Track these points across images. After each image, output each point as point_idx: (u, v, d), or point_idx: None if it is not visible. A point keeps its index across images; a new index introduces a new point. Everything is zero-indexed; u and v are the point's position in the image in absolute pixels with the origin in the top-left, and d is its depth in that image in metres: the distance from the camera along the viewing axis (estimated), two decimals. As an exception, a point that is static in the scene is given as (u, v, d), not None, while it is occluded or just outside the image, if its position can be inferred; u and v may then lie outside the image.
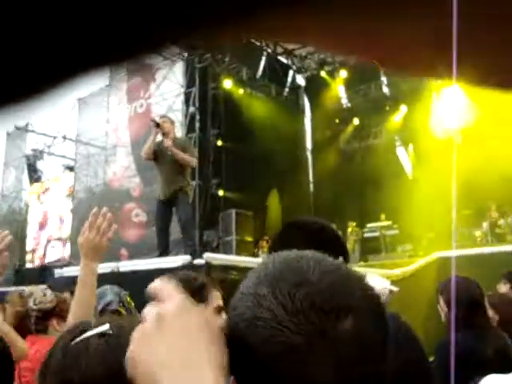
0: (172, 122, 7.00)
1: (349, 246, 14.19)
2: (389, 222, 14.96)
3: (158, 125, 6.69)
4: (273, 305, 0.61)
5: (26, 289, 3.41)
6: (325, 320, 0.60)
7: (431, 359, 2.53)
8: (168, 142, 6.38)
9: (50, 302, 3.24)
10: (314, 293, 0.61)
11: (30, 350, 2.99)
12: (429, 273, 7.99)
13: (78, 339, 1.08)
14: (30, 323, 3.17)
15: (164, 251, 6.45)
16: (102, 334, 1.08)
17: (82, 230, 1.97)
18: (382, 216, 15.30)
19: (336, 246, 1.52)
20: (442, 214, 12.97)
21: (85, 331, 1.09)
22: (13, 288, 7.73)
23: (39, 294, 3.20)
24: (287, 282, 0.62)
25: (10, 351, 1.90)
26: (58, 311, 3.21)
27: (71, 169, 18.81)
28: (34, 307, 3.17)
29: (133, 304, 2.74)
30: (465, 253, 8.87)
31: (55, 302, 3.25)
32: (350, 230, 14.84)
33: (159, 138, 6.77)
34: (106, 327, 1.09)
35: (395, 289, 4.50)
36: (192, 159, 6.66)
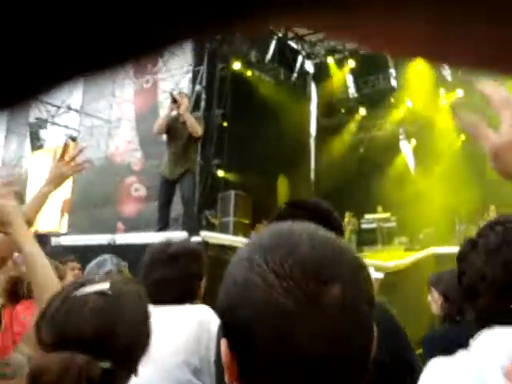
0: (188, 98, 6.97)
1: (345, 235, 14.20)
2: (387, 214, 15.00)
3: (175, 100, 6.58)
4: (264, 270, 0.64)
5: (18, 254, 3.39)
6: (314, 286, 0.62)
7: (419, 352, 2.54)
8: (183, 108, 6.32)
9: None
10: (304, 261, 0.64)
11: (23, 315, 3.01)
12: (424, 267, 8.00)
13: (77, 293, 1.08)
14: (22, 288, 3.17)
15: (164, 226, 6.46)
16: (101, 293, 1.08)
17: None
18: (379, 208, 15.33)
19: (332, 225, 1.53)
20: (440, 210, 13.04)
21: (84, 285, 1.10)
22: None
23: None
24: (279, 250, 0.65)
25: None
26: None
27: (74, 139, 18.77)
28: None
29: (129, 275, 2.77)
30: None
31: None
32: (346, 219, 14.86)
33: (174, 113, 6.66)
34: (106, 286, 1.09)
35: (379, 276, 4.52)
36: (199, 130, 6.52)
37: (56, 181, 2.13)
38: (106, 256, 2.75)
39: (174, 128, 6.55)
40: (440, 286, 2.90)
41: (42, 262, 1.57)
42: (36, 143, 19.95)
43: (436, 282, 2.97)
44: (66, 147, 2.23)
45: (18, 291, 3.18)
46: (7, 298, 3.14)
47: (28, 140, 19.75)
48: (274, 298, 0.62)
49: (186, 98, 6.79)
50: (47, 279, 1.54)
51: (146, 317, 1.17)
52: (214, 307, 1.92)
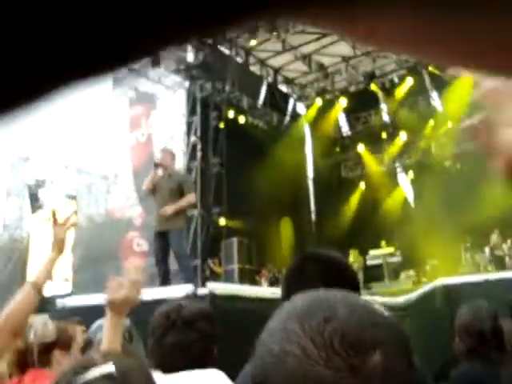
0: (172, 155, 7.11)
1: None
2: (391, 249, 14.91)
3: (157, 165, 6.84)
4: (302, 339, 0.61)
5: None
6: (354, 355, 0.59)
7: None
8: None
9: (51, 333, 3.15)
10: (342, 328, 0.61)
11: None
12: (433, 300, 7.90)
13: (81, 380, 1.02)
14: (31, 357, 3.06)
15: (164, 281, 6.43)
16: (108, 377, 1.02)
17: (113, 285, 1.96)
18: (383, 242, 15.25)
19: (350, 281, 1.53)
20: (445, 240, 12.96)
21: (87, 369, 1.03)
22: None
23: (40, 326, 3.10)
24: (316, 317, 0.63)
25: None
26: (61, 342, 3.13)
27: (73, 197, 18.81)
28: (35, 340, 3.06)
29: (134, 334, 2.71)
30: (469, 279, 8.78)
31: (57, 333, 3.16)
32: (351, 258, 14.77)
33: (160, 173, 6.88)
34: (111, 368, 1.03)
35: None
36: (189, 200, 6.71)
37: (57, 246, 2.17)
38: (103, 319, 2.69)
39: (158, 185, 6.73)
40: (455, 322, 2.79)
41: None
42: (35, 203, 19.98)
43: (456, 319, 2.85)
44: (53, 213, 2.29)
45: (26, 361, 3.07)
46: (16, 369, 3.03)
47: (27, 201, 19.80)
48: (314, 369, 0.59)
49: (168, 156, 6.95)
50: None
51: None
52: (223, 366, 1.87)
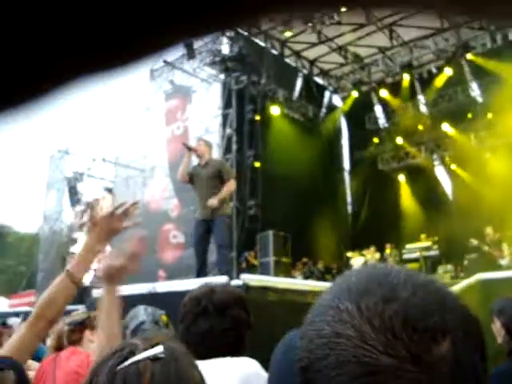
0: (207, 145, 7.11)
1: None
2: (429, 243, 14.68)
3: (189, 148, 6.85)
4: (358, 321, 0.53)
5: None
6: (418, 341, 0.51)
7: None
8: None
9: (81, 314, 3.42)
10: (406, 309, 0.53)
11: (64, 362, 3.12)
12: (471, 295, 7.75)
13: (127, 363, 0.97)
14: (64, 338, 3.33)
15: (201, 272, 6.44)
16: (155, 358, 0.98)
17: (110, 254, 1.96)
18: (422, 236, 15.02)
19: None
20: (483, 235, 12.69)
21: (133, 353, 0.98)
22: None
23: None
24: (375, 296, 0.55)
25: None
26: (91, 323, 3.33)
27: (110, 190, 19.09)
28: (66, 322, 3.34)
29: (170, 322, 2.72)
30: (508, 275, 8.58)
31: (87, 315, 3.42)
32: (388, 251, 14.60)
33: (194, 161, 6.93)
34: (159, 349, 0.99)
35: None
36: (230, 187, 6.74)
37: (106, 237, 2.06)
38: (140, 307, 2.72)
39: (196, 175, 6.76)
40: (502, 316, 2.69)
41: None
42: (74, 197, 20.34)
43: (498, 312, 2.75)
44: (121, 204, 2.15)
45: (61, 343, 3.33)
46: (53, 350, 3.32)
47: (67, 194, 20.16)
48: (372, 356, 0.51)
49: (203, 146, 6.97)
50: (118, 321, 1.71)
51: (202, 377, 1.07)
52: (255, 355, 1.83)
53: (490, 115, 15.33)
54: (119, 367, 0.96)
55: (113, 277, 1.81)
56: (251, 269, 12.38)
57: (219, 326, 1.83)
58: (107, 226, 2.04)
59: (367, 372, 0.51)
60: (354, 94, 18.24)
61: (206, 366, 1.77)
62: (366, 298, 0.55)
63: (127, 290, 6.22)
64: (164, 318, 2.73)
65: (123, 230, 2.09)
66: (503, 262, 11.44)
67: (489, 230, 12.40)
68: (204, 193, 6.60)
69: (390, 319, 0.52)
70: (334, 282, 0.61)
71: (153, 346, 1.00)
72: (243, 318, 1.89)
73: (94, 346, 2.67)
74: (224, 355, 1.79)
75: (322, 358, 0.54)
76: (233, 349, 1.83)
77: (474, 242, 12.50)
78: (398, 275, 0.57)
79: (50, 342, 3.60)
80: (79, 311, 3.66)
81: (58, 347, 3.32)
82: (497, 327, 2.71)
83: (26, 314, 5.36)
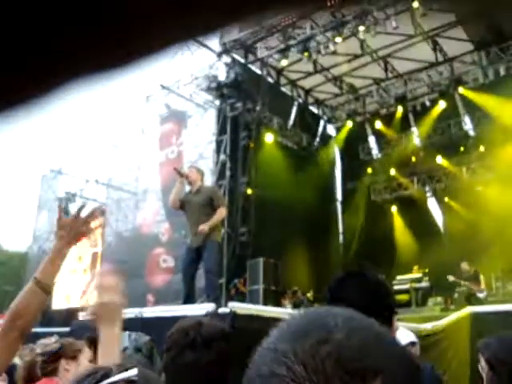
0: (199, 172, 7.15)
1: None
2: (419, 275, 14.65)
3: (181, 174, 6.90)
4: (292, 362, 0.54)
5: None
6: (348, 382, 0.52)
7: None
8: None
9: (53, 344, 3.28)
10: (339, 351, 0.54)
11: None
12: (461, 328, 7.71)
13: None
14: (36, 369, 3.16)
15: (188, 299, 6.39)
16: (128, 381, 0.98)
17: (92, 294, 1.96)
18: (415, 267, 14.99)
19: (387, 301, 1.54)
20: (475, 267, 12.68)
21: (107, 376, 0.99)
22: (39, 329, 7.73)
23: (44, 341, 3.24)
24: (311, 338, 0.56)
25: None
26: (66, 353, 3.20)
27: (102, 212, 19.00)
28: (40, 352, 3.19)
29: (155, 350, 2.69)
30: (499, 309, 8.56)
31: (59, 344, 3.27)
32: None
33: (186, 188, 6.97)
34: (133, 372, 1.00)
35: (417, 339, 4.35)
36: (221, 214, 6.75)
37: (72, 241, 2.03)
38: (125, 333, 2.69)
39: (187, 201, 6.76)
40: (486, 352, 2.66)
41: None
42: (65, 217, 20.21)
43: (483, 349, 2.72)
44: (82, 206, 2.15)
45: (34, 372, 3.17)
46: (24, 382, 3.14)
47: (57, 214, 20.05)
48: None
49: (194, 172, 7.02)
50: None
51: None
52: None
53: (481, 148, 15.47)
54: None
55: (106, 316, 1.72)
56: (240, 296, 12.29)
57: (205, 358, 1.81)
58: (73, 229, 2.03)
59: None
60: (349, 124, 18.38)
61: None
62: (302, 339, 0.56)
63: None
64: (149, 344, 2.70)
65: (89, 233, 2.09)
66: (481, 295, 11.42)
67: (464, 266, 12.42)
68: (195, 219, 6.59)
69: (322, 361, 0.53)
70: (279, 325, 0.63)
71: (126, 370, 1.00)
72: (228, 353, 1.89)
73: (70, 375, 2.61)
74: None
75: None
76: (218, 382, 1.82)
77: (451, 278, 12.53)
78: (335, 318, 0.59)
79: (19, 372, 3.37)
80: (51, 340, 3.49)
81: (29, 379, 3.18)
82: (481, 364, 2.67)
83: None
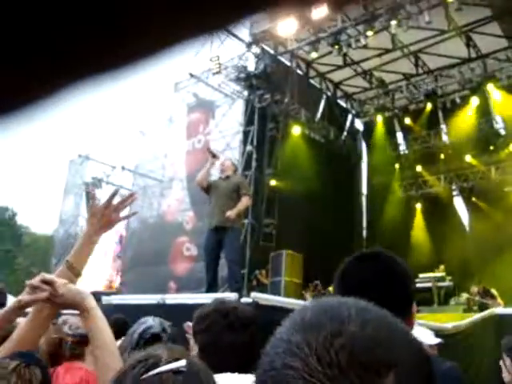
0: (233, 165, 7.35)
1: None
2: (442, 274, 14.51)
3: (213, 155, 7.11)
4: (306, 354, 0.55)
5: (60, 318, 3.35)
6: (362, 375, 0.53)
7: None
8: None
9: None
10: (352, 344, 0.54)
11: (61, 379, 2.94)
12: (485, 330, 7.62)
13: (150, 373, 1.00)
14: (64, 349, 3.12)
15: (211, 287, 6.43)
16: (177, 371, 1.01)
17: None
18: (441, 266, 14.83)
19: (405, 284, 1.47)
20: (499, 268, 12.52)
21: (157, 364, 1.01)
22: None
23: (74, 321, 3.17)
24: (324, 329, 0.56)
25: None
26: None
27: (133, 201, 19.17)
28: (70, 332, 3.13)
29: (176, 333, 2.70)
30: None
31: None
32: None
33: (216, 174, 7.10)
34: (182, 363, 1.02)
35: (437, 341, 4.30)
36: (246, 203, 6.89)
37: (103, 228, 2.07)
38: (148, 318, 2.71)
39: (215, 186, 6.94)
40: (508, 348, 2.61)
41: (105, 326, 1.68)
42: (91, 202, 20.46)
43: (508, 350, 2.66)
44: (114, 193, 2.15)
45: (59, 353, 3.09)
46: (48, 360, 3.06)
47: (84, 199, 20.30)
48: None
49: (229, 163, 7.30)
50: (110, 343, 1.66)
51: None
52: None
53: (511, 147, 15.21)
54: (143, 377, 1.00)
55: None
56: (261, 287, 12.31)
57: (242, 339, 1.88)
58: (104, 217, 2.04)
59: None
60: (377, 118, 18.22)
61: (227, 381, 1.78)
62: (316, 331, 0.56)
63: (137, 298, 6.22)
64: (173, 330, 2.72)
65: (120, 221, 2.12)
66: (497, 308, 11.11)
67: (473, 289, 12.39)
68: (221, 202, 6.71)
69: (336, 353, 0.54)
70: (291, 315, 0.63)
71: (176, 360, 1.03)
72: (259, 337, 1.95)
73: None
74: (240, 369, 1.82)
75: None
76: (248, 364, 1.87)
77: (464, 296, 12.50)
78: (349, 309, 0.59)
79: (42, 347, 3.29)
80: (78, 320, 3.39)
81: (55, 357, 3.05)
82: (506, 364, 2.62)
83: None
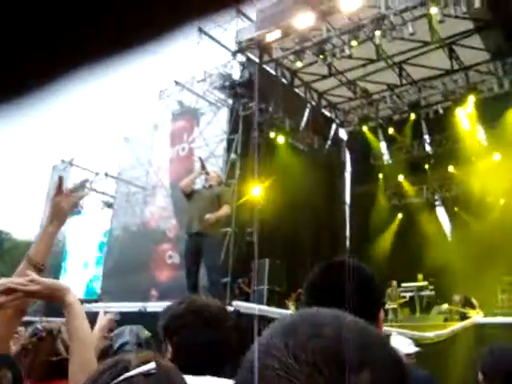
0: (219, 177, 7.57)
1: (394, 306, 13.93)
2: (424, 283, 14.61)
3: (203, 166, 7.33)
4: (283, 354, 0.58)
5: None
6: (338, 374, 0.55)
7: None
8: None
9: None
10: (328, 345, 0.57)
11: None
12: (465, 339, 7.68)
13: (120, 378, 0.99)
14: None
15: (192, 292, 6.42)
16: (148, 374, 1.01)
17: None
18: (420, 276, 14.93)
19: (371, 290, 1.52)
20: (480, 279, 12.62)
21: (126, 369, 1.01)
22: (38, 318, 7.74)
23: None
24: (301, 333, 0.60)
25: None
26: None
27: (110, 206, 19.08)
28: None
29: (153, 345, 2.69)
30: (504, 321, 8.51)
31: None
32: (389, 290, 14.43)
33: (203, 183, 7.22)
34: (151, 366, 1.02)
35: (413, 350, 4.31)
36: (226, 211, 6.98)
37: (58, 219, 2.05)
38: (126, 327, 2.69)
39: (198, 193, 7.11)
40: (480, 363, 2.64)
41: (82, 322, 1.68)
42: (73, 209, 20.30)
43: (479, 359, 2.70)
44: (60, 181, 2.14)
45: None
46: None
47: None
48: None
49: (216, 176, 7.46)
50: (86, 340, 1.66)
51: None
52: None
53: (494, 158, 15.36)
54: (113, 382, 0.99)
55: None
56: (244, 296, 12.28)
57: (218, 337, 1.85)
58: (55, 205, 2.05)
59: None
60: (361, 128, 18.34)
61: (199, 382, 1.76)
62: (294, 334, 0.60)
63: (119, 306, 6.17)
64: (149, 338, 2.70)
65: (72, 208, 2.13)
66: (477, 318, 11.18)
67: (455, 298, 12.54)
68: (202, 208, 6.79)
69: (312, 353, 0.56)
70: (273, 323, 0.66)
71: (145, 363, 1.02)
72: (232, 332, 1.93)
73: None
74: (216, 367, 1.80)
75: None
76: (224, 363, 1.85)
77: (445, 306, 12.66)
78: (325, 316, 0.63)
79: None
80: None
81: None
82: (479, 377, 2.64)
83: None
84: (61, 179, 2.15)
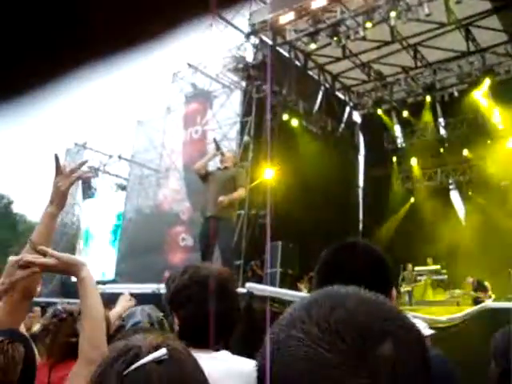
0: (235, 158, 7.67)
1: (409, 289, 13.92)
2: (437, 267, 14.55)
3: (218, 147, 7.32)
4: (307, 325, 0.60)
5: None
6: (361, 342, 0.58)
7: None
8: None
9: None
10: (351, 315, 0.60)
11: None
12: (477, 323, 7.65)
13: (133, 367, 0.99)
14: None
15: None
16: (159, 361, 1.00)
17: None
18: (429, 260, 14.88)
19: (384, 269, 1.52)
20: (493, 263, 12.56)
21: (138, 356, 1.00)
22: (58, 300, 7.84)
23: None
24: (324, 306, 0.62)
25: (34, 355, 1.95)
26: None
27: (123, 188, 19.17)
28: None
29: (166, 325, 2.71)
30: (517, 305, 8.45)
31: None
32: (405, 272, 14.41)
33: (215, 165, 7.19)
34: (162, 352, 1.01)
35: (429, 332, 4.32)
36: (241, 193, 6.97)
37: (57, 200, 2.06)
38: (138, 307, 2.72)
39: (212, 175, 7.07)
40: (492, 346, 2.64)
41: (94, 297, 1.71)
42: (87, 191, 20.45)
43: (491, 343, 2.70)
44: (56, 160, 2.11)
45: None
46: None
47: (80, 188, 20.28)
48: (316, 351, 0.57)
49: (231, 157, 7.45)
50: (96, 316, 1.68)
51: (205, 378, 1.10)
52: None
53: (509, 142, 15.20)
54: (126, 373, 0.98)
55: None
56: (256, 279, 12.32)
57: (225, 307, 1.83)
58: (54, 186, 2.06)
59: (314, 368, 0.57)
60: (374, 112, 18.20)
61: (209, 364, 1.74)
62: (317, 307, 0.63)
63: (131, 287, 6.22)
64: (162, 319, 2.72)
65: (68, 187, 2.11)
66: (489, 301, 11.20)
67: (468, 279, 12.48)
68: (217, 191, 6.78)
69: (335, 323, 0.59)
70: (287, 305, 0.70)
71: (156, 348, 1.02)
72: (237, 296, 1.97)
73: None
74: (223, 337, 1.79)
75: (277, 360, 0.61)
76: (231, 330, 1.88)
77: (458, 291, 12.59)
78: (346, 291, 0.66)
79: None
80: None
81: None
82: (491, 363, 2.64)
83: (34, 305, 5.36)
84: (57, 158, 2.12)
